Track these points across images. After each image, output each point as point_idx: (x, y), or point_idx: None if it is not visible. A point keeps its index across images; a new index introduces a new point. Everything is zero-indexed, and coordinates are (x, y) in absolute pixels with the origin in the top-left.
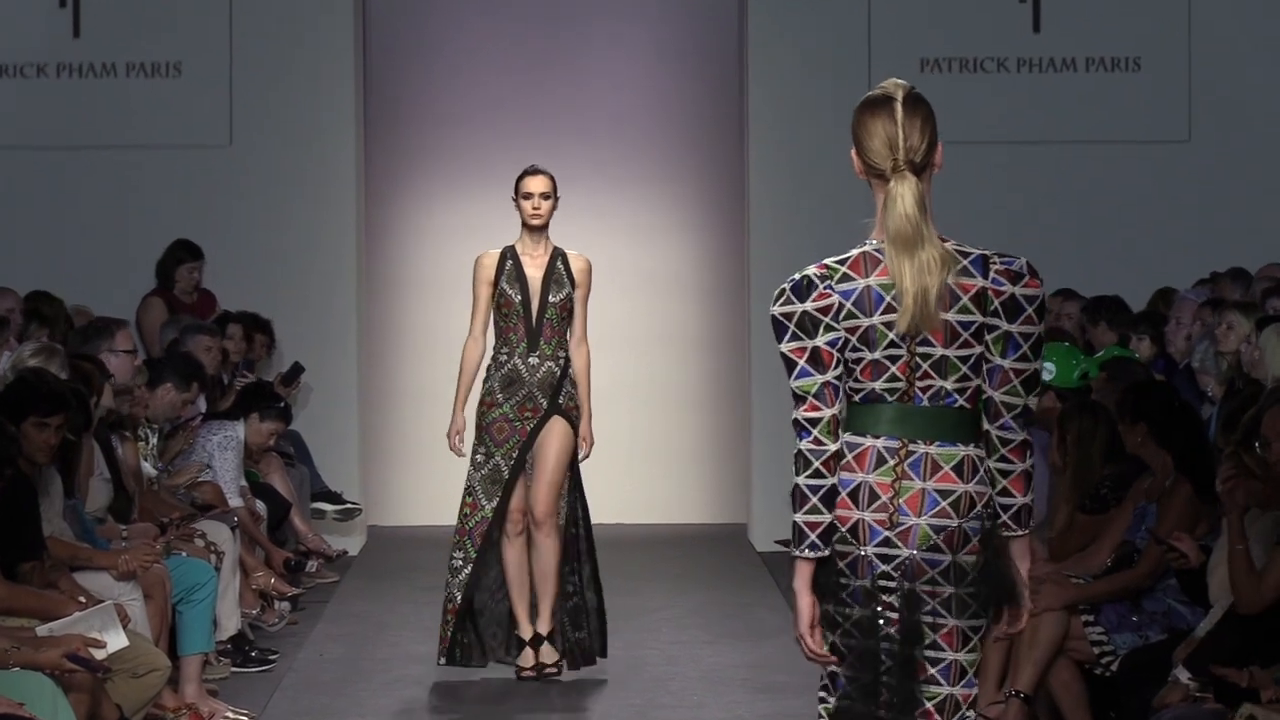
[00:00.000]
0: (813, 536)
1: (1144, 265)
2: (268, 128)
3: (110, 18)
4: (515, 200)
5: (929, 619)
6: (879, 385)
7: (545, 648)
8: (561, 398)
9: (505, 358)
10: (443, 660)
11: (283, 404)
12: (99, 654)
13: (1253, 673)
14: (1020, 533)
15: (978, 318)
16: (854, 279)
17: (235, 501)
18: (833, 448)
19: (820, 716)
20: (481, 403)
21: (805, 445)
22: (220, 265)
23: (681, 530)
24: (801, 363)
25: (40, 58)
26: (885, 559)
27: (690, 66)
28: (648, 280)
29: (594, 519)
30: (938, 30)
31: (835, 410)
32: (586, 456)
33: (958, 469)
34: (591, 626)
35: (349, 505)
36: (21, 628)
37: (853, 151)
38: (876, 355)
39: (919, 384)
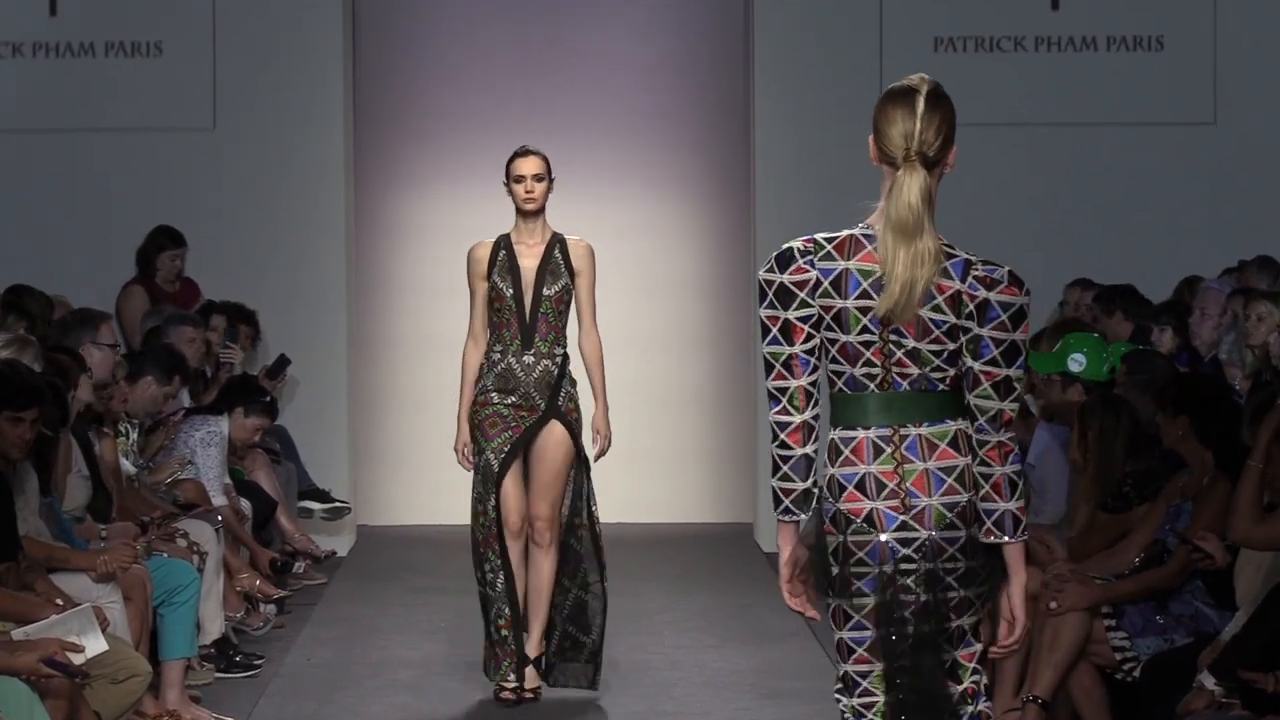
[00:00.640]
0: (786, 502)
1: (1166, 253)
2: (253, 110)
3: None
4: (506, 185)
5: (943, 595)
6: (858, 371)
7: (529, 671)
8: (560, 399)
9: (499, 356)
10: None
11: (268, 398)
12: (77, 658)
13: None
14: (1006, 539)
15: (950, 319)
16: (835, 260)
17: (219, 500)
18: (798, 419)
19: (843, 715)
20: (475, 402)
21: (773, 415)
22: (203, 254)
23: (685, 530)
24: (774, 330)
25: (15, 37)
26: (905, 543)
27: (693, 51)
28: (653, 279)
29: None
30: (952, 7)
31: (803, 382)
32: (603, 451)
33: (953, 444)
34: (594, 634)
35: (338, 504)
36: None
37: (870, 137)
38: (850, 338)
39: (896, 370)
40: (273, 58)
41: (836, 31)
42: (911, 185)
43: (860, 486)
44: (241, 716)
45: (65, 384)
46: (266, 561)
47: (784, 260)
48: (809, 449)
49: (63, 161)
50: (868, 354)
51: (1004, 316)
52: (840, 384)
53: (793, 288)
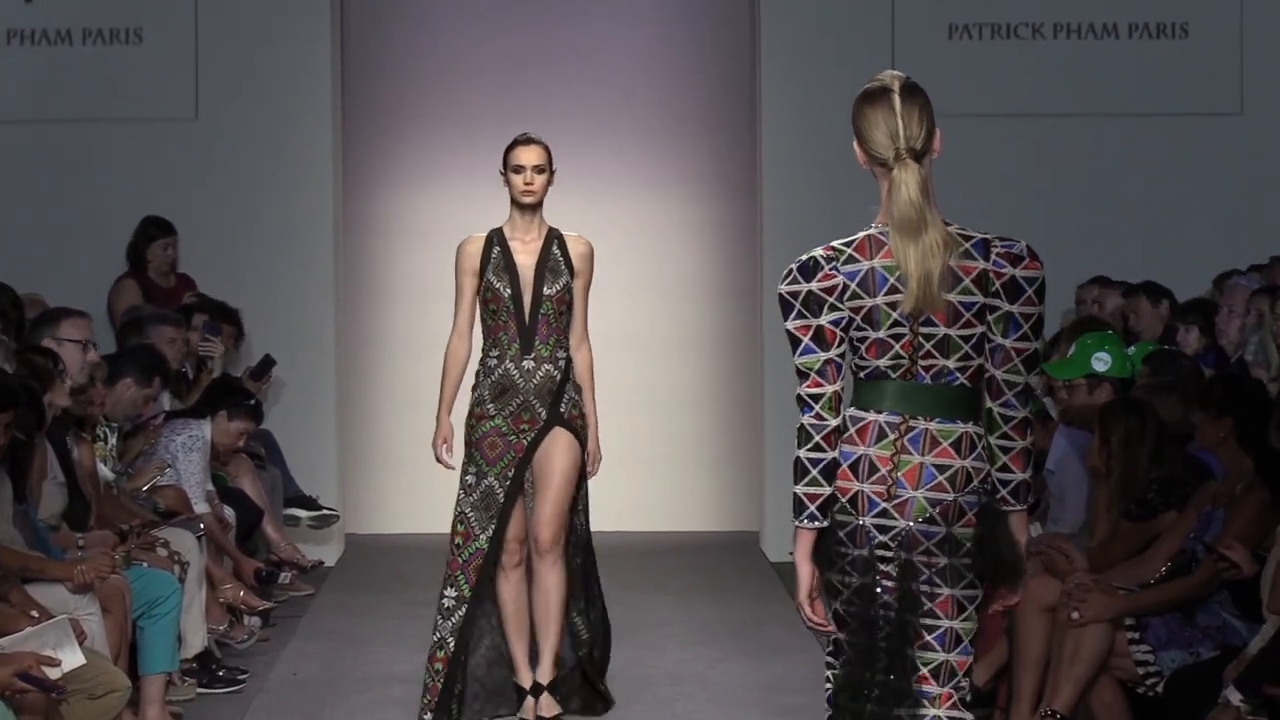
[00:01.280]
0: (811, 508)
1: (1191, 248)
2: (237, 100)
3: None
4: (503, 174)
5: (925, 588)
6: (883, 363)
7: (545, 699)
8: (564, 405)
9: (495, 362)
10: (428, 717)
11: (253, 401)
12: (53, 673)
13: None
14: (1019, 507)
15: (979, 298)
16: (859, 261)
17: (201, 507)
18: (833, 423)
19: (827, 680)
20: (470, 415)
21: (807, 420)
22: (184, 250)
23: (688, 538)
24: (806, 340)
25: None
26: (883, 529)
27: (696, 37)
28: (654, 279)
29: (593, 526)
30: None
31: (837, 387)
32: (594, 474)
33: (956, 445)
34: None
35: (325, 511)
36: None
37: (855, 143)
38: (881, 334)
39: (921, 362)
40: (258, 45)
41: (847, 17)
42: (909, 182)
43: (854, 467)
44: None
45: (40, 386)
46: (251, 572)
47: (809, 269)
48: (836, 452)
49: (39, 153)
50: (897, 346)
51: (1030, 291)
52: (863, 374)
53: (822, 294)
